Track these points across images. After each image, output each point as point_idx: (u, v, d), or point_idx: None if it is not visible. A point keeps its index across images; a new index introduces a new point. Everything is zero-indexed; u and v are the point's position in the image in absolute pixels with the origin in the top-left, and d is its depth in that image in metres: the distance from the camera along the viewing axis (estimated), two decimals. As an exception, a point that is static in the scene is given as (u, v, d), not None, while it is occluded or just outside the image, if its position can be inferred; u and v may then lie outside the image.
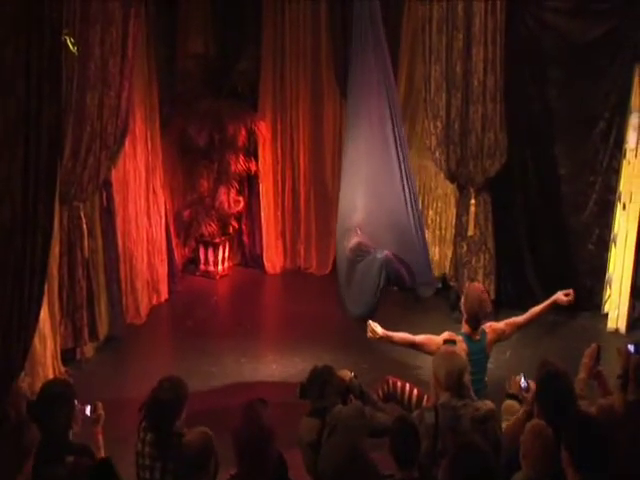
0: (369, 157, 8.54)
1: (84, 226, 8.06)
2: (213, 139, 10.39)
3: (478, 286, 6.68)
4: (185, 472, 4.49)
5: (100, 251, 8.44)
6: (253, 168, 10.77)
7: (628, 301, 8.86)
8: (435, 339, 6.15)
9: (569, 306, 6.56)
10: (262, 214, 10.95)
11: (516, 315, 6.52)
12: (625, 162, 8.90)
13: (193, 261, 10.90)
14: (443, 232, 10.28)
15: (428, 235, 10.35)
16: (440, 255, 10.24)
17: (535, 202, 9.45)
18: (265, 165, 10.86)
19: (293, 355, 8.42)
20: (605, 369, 5.46)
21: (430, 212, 10.24)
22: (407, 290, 8.90)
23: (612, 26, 8.78)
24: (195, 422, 4.72)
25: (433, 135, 9.00)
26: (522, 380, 5.26)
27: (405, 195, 8.19)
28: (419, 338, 6.28)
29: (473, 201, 9.06)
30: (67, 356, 7.94)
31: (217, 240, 10.63)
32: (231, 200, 10.67)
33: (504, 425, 5.11)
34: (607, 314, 9.07)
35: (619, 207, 8.97)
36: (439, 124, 8.95)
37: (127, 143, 8.65)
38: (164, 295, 9.94)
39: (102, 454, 4.84)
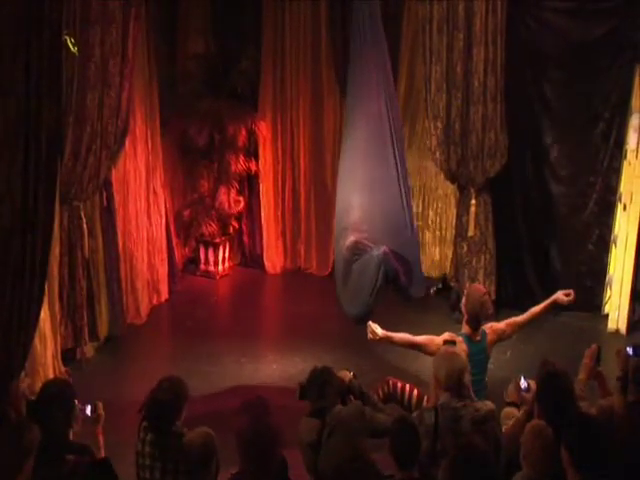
0: (366, 157, 8.54)
1: (84, 226, 8.06)
2: (213, 139, 10.39)
3: (480, 288, 6.67)
4: (187, 471, 4.49)
5: (100, 251, 8.43)
6: (253, 168, 10.78)
7: (628, 302, 8.85)
8: (435, 340, 6.14)
9: (569, 307, 6.57)
10: (262, 214, 10.95)
11: (516, 315, 6.52)
12: (626, 163, 8.90)
13: (193, 261, 10.90)
14: (443, 232, 10.29)
15: (428, 235, 10.40)
16: (440, 255, 10.25)
17: (535, 202, 9.44)
18: (265, 165, 10.86)
19: (293, 355, 8.43)
20: (605, 370, 5.45)
21: (430, 212, 10.25)
22: (399, 290, 8.91)
23: (612, 26, 8.78)
24: (195, 422, 4.72)
25: (433, 135, 9.00)
26: (522, 380, 5.26)
27: (401, 196, 8.20)
28: (419, 339, 6.28)
29: (473, 201, 9.06)
30: (67, 356, 7.94)
31: (217, 240, 10.63)
32: (231, 200, 10.67)
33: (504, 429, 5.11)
34: (607, 315, 9.07)
35: (619, 208, 8.97)
36: (439, 124, 8.95)
37: (127, 143, 8.65)
38: (164, 295, 9.94)
39: (102, 454, 4.83)
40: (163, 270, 9.92)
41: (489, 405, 5.03)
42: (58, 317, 7.71)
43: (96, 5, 7.59)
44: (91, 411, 4.94)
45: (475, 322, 6.20)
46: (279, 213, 11.00)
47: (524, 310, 6.54)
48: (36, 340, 6.60)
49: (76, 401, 4.84)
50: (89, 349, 8.34)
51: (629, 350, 5.15)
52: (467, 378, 5.09)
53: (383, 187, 8.47)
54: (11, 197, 4.92)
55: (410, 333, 6.40)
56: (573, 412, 4.60)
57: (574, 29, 8.91)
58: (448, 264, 9.81)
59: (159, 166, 9.81)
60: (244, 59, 10.40)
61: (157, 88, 9.60)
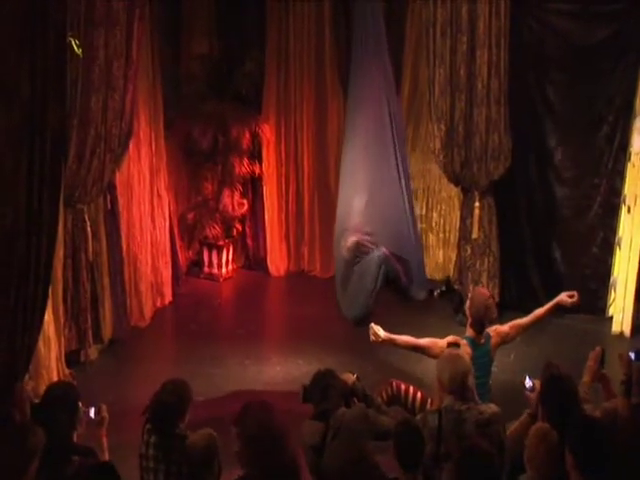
0: (367, 159, 8.56)
1: (88, 229, 8.07)
2: (217, 142, 10.40)
3: (484, 291, 6.66)
4: (190, 473, 4.49)
5: (104, 254, 8.43)
6: (257, 171, 10.79)
7: (633, 305, 8.84)
8: (439, 342, 6.14)
9: (573, 309, 6.55)
10: (266, 217, 10.96)
11: (520, 317, 6.51)
12: (630, 165, 8.89)
13: (197, 264, 10.90)
14: (447, 235, 10.29)
15: (432, 238, 10.41)
16: (444, 258, 10.25)
17: (539, 205, 9.44)
18: (269, 168, 10.87)
19: (297, 358, 8.42)
20: (609, 372, 5.44)
21: (434, 215, 10.24)
22: (400, 290, 8.92)
23: (616, 29, 8.78)
24: (199, 424, 4.72)
25: (437, 138, 8.99)
26: (527, 380, 5.26)
27: (403, 198, 8.21)
28: (423, 341, 6.27)
29: (477, 204, 9.05)
30: (71, 358, 7.94)
31: (221, 243, 10.64)
32: (235, 203, 10.68)
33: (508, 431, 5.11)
34: (612, 317, 9.05)
35: (624, 210, 8.96)
36: (443, 127, 8.94)
37: (131, 146, 8.66)
38: (168, 298, 9.95)
39: (106, 457, 4.84)
40: (167, 273, 9.92)
41: (493, 408, 5.02)
42: (62, 320, 7.71)
43: (100, 7, 7.60)
44: (95, 414, 4.94)
45: (479, 325, 6.19)
46: (283, 216, 11.01)
47: (528, 312, 6.53)
48: (40, 343, 6.60)
49: (80, 404, 4.84)
50: (93, 352, 8.34)
51: (631, 354, 5.15)
52: (471, 381, 5.08)
53: (384, 189, 8.50)
54: (15, 200, 4.92)
55: (413, 336, 6.39)
56: (577, 415, 4.59)
57: (577, 31, 8.91)
58: (452, 267, 9.80)
59: (163, 169, 9.82)
60: (248, 61, 10.43)
61: (161, 90, 9.61)
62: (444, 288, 9.91)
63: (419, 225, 9.10)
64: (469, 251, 9.22)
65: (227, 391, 7.67)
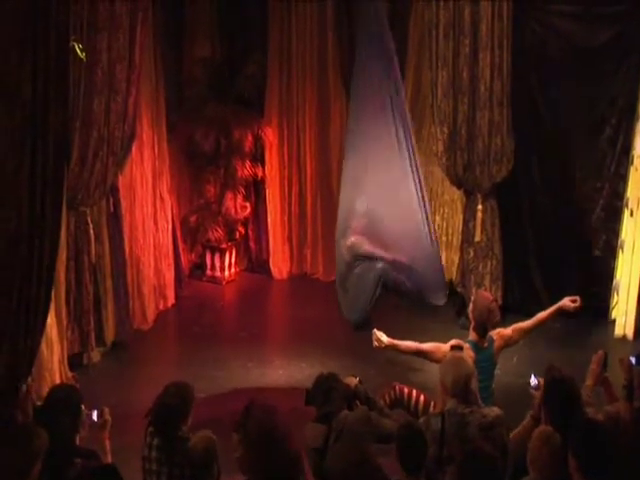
0: (370, 161, 8.53)
1: (91, 231, 8.08)
2: (220, 144, 10.41)
3: (487, 295, 6.65)
4: (193, 476, 4.49)
5: (107, 256, 8.44)
6: (260, 173, 10.78)
7: (635, 308, 8.82)
8: (442, 347, 6.13)
9: (576, 312, 6.54)
10: (269, 219, 10.96)
11: (522, 320, 6.51)
12: (632, 168, 8.87)
13: (200, 266, 10.90)
14: (450, 238, 10.27)
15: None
16: (447, 261, 10.22)
17: (542, 208, 9.43)
18: (272, 170, 10.87)
19: (299, 361, 8.42)
20: (612, 376, 5.44)
21: (437, 218, 10.22)
22: (413, 298, 8.87)
23: (618, 30, 8.77)
24: (201, 427, 4.72)
25: (440, 141, 8.98)
26: (532, 378, 5.26)
27: (412, 200, 8.16)
28: (426, 346, 6.27)
29: (480, 207, 9.04)
30: (74, 361, 7.95)
31: (224, 245, 10.63)
32: (238, 205, 10.67)
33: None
34: (614, 321, 9.04)
35: (626, 213, 8.94)
36: (446, 129, 8.94)
37: (134, 148, 8.67)
38: (171, 300, 9.95)
39: (109, 459, 4.84)
40: (169, 275, 9.93)
41: (496, 411, 5.02)
42: (65, 322, 7.72)
43: (103, 11, 7.62)
44: (97, 416, 4.94)
45: (482, 329, 6.19)
46: (285, 218, 11.01)
47: (530, 315, 6.53)
48: (43, 345, 6.60)
49: (83, 406, 4.84)
50: (96, 354, 8.34)
51: (632, 359, 5.15)
52: (474, 384, 5.08)
53: (389, 191, 8.46)
54: (18, 202, 4.93)
55: (416, 339, 6.40)
56: (579, 418, 4.59)
57: (580, 33, 8.90)
58: (454, 270, 9.79)
59: (166, 172, 9.82)
60: (250, 64, 10.43)
61: (163, 93, 9.62)
62: (447, 291, 9.89)
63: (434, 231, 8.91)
64: (472, 254, 9.21)
65: (230, 394, 7.66)
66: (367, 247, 8.90)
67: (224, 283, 10.69)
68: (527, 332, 6.45)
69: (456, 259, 9.79)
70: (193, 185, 10.80)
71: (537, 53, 9.07)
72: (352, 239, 8.95)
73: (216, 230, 10.49)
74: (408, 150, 8.55)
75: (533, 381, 5.25)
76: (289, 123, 10.78)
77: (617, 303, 9.07)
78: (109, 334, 8.52)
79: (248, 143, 10.48)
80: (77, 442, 4.79)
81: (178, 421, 4.78)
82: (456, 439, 4.79)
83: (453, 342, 6.11)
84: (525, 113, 9.09)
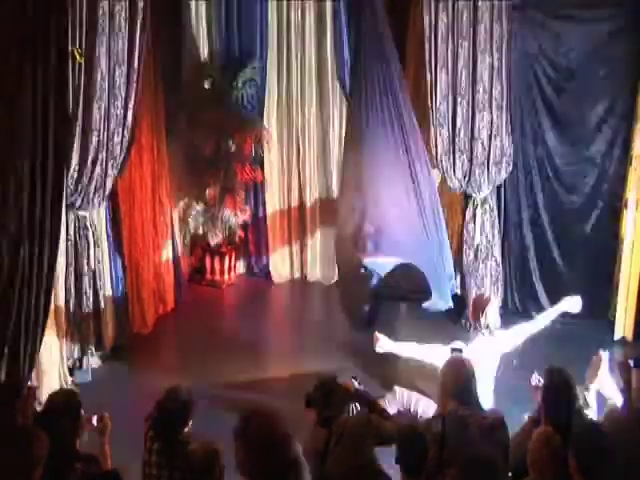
0: (369, 163, 8.50)
1: (90, 236, 8.08)
2: (219, 148, 10.41)
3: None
4: (190, 479, 4.48)
5: (106, 261, 8.45)
6: (259, 177, 10.79)
7: (635, 309, 8.82)
8: (442, 349, 6.12)
9: (576, 314, 6.54)
10: (268, 223, 10.97)
11: (522, 323, 6.50)
12: (632, 169, 8.88)
13: (199, 270, 10.91)
14: (449, 240, 10.25)
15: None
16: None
17: (541, 209, 9.43)
18: (271, 174, 10.87)
19: (299, 364, 8.41)
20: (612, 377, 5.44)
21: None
22: (416, 301, 8.84)
23: (617, 32, 8.77)
24: (201, 431, 4.71)
25: (439, 143, 8.99)
26: (534, 376, 5.25)
27: (413, 202, 8.11)
28: (426, 348, 6.26)
29: (479, 209, 9.06)
30: (74, 366, 7.94)
31: (223, 249, 10.64)
32: (237, 209, 10.67)
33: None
34: (614, 322, 9.03)
35: (625, 214, 8.94)
36: (445, 132, 8.95)
37: (133, 152, 8.66)
38: (170, 305, 9.95)
39: (109, 464, 4.84)
40: (169, 280, 9.93)
41: (496, 413, 5.02)
42: (64, 327, 7.72)
43: (102, 15, 7.62)
44: (97, 421, 4.94)
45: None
46: (285, 222, 11.01)
47: (530, 317, 6.55)
48: (42, 350, 6.59)
49: (82, 411, 4.83)
50: (95, 359, 8.34)
51: (631, 362, 5.15)
52: (474, 386, 5.07)
53: (389, 194, 8.42)
54: (18, 207, 4.93)
55: (415, 341, 6.39)
56: (579, 419, 4.59)
57: (578, 35, 8.91)
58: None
59: (165, 175, 9.83)
60: (250, 68, 10.43)
61: (163, 97, 9.62)
62: (450, 296, 9.87)
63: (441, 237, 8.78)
64: (471, 256, 9.22)
65: (229, 396, 7.66)
66: (369, 252, 8.86)
67: (224, 287, 10.69)
68: (527, 334, 6.43)
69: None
70: (193, 189, 10.80)
71: (536, 55, 9.07)
72: (356, 250, 8.88)
73: (216, 234, 10.49)
74: (410, 151, 8.52)
75: (534, 380, 5.25)
76: (288, 127, 10.78)
77: (617, 305, 9.06)
78: (108, 339, 8.52)
79: (247, 147, 10.49)
80: (77, 447, 4.78)
81: (178, 425, 4.78)
82: (456, 441, 4.79)
83: (453, 344, 6.11)
84: (524, 116, 9.09)
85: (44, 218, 5.09)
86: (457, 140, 8.93)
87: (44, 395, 6.01)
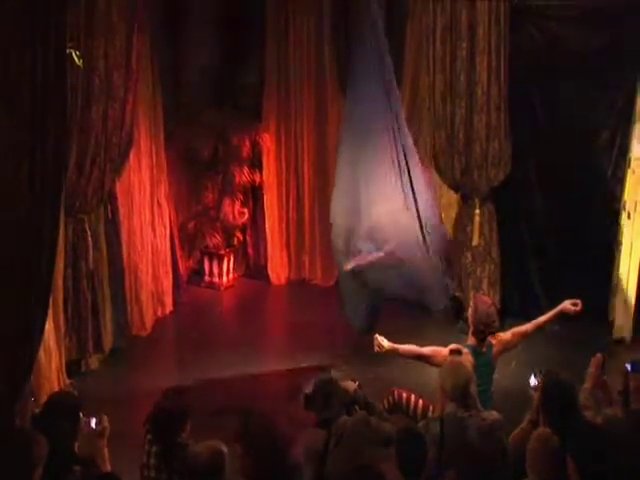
0: (367, 169, 8.48)
1: (89, 238, 8.07)
2: (217, 151, 10.41)
3: (486, 299, 6.63)
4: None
5: (105, 263, 8.43)
6: (257, 180, 10.79)
7: (633, 311, 8.82)
8: (441, 351, 6.13)
9: (575, 315, 6.54)
10: (267, 225, 10.96)
11: (521, 324, 6.50)
12: (630, 171, 8.88)
13: (198, 273, 10.90)
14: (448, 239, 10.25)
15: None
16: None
17: (539, 211, 9.43)
18: (269, 176, 10.87)
19: (299, 366, 8.40)
20: (610, 379, 5.44)
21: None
22: (411, 302, 8.83)
23: (615, 34, 8.77)
24: (200, 434, 4.71)
25: (437, 145, 9.00)
26: (532, 378, 5.26)
27: (409, 202, 8.10)
28: (425, 350, 6.26)
29: (477, 211, 9.06)
30: (72, 368, 7.94)
31: (222, 252, 10.64)
32: (236, 212, 10.68)
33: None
34: (612, 323, 9.04)
35: (624, 216, 8.95)
36: (443, 133, 8.95)
37: (132, 155, 8.65)
38: (169, 307, 9.94)
39: (107, 467, 4.82)
40: (168, 282, 9.92)
41: (495, 415, 5.03)
42: (63, 329, 7.71)
43: (100, 18, 7.62)
44: (96, 424, 4.93)
45: (481, 334, 6.18)
46: (283, 224, 11.01)
47: (529, 319, 6.52)
48: (41, 352, 6.58)
49: (81, 414, 4.83)
50: (94, 361, 8.34)
51: (628, 366, 5.16)
52: (473, 388, 5.09)
53: (384, 193, 8.40)
54: (16, 210, 4.93)
55: (414, 344, 6.39)
56: (578, 421, 4.59)
57: (577, 37, 8.90)
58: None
59: (163, 178, 9.82)
60: (248, 70, 10.44)
61: (161, 100, 9.61)
62: (447, 296, 9.87)
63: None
64: (469, 258, 9.21)
65: (227, 398, 7.66)
66: (362, 253, 8.84)
67: (222, 289, 10.69)
68: (526, 336, 6.43)
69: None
70: (191, 191, 10.80)
71: (534, 57, 9.07)
72: (352, 261, 8.85)
73: (214, 236, 10.49)
74: (405, 156, 8.51)
75: (533, 381, 5.25)
76: (287, 129, 10.79)
77: (615, 306, 9.06)
78: (107, 341, 8.50)
79: (246, 149, 10.49)
80: (75, 449, 4.77)
81: (176, 428, 4.78)
82: (455, 443, 4.79)
83: (452, 346, 6.12)
84: (522, 117, 9.09)
85: (42, 220, 5.08)
86: (455, 141, 8.93)
87: (42, 397, 6.02)
